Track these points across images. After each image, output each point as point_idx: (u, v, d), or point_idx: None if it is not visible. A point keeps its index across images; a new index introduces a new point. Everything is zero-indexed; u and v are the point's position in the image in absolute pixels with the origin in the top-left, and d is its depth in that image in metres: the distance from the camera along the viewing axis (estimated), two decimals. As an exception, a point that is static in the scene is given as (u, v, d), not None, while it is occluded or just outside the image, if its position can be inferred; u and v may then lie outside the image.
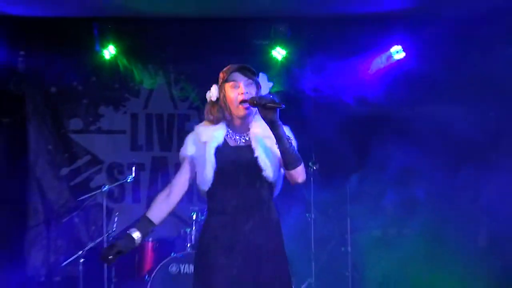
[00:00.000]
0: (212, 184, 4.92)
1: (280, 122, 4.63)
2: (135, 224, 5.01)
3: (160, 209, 5.11)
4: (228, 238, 4.89)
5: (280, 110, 4.54)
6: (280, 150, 4.74)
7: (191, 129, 5.15)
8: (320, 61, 9.35)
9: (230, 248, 4.88)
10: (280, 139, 4.68)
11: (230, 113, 4.92)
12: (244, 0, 8.77)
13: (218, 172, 4.90)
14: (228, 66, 4.96)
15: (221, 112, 4.95)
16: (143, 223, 5.03)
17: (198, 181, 4.97)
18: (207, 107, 5.00)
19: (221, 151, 4.91)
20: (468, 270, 8.49)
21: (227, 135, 4.97)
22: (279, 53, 9.80)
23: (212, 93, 4.96)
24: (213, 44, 9.39)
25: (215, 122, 4.98)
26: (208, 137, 4.93)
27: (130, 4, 8.93)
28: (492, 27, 9.04)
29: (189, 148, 5.00)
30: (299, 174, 4.80)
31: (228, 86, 4.88)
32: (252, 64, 5.00)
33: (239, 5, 8.92)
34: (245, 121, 4.94)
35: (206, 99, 4.98)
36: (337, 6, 9.11)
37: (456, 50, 9.23)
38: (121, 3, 8.88)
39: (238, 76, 4.86)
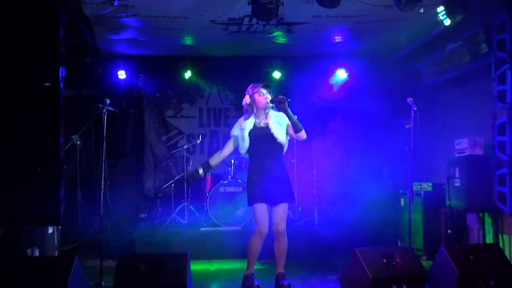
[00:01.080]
0: (248, 149, 5.51)
1: (289, 108, 5.30)
2: (202, 164, 5.74)
3: (215, 158, 5.74)
4: (262, 168, 5.44)
5: (287, 102, 5.25)
6: (291, 123, 5.38)
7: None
8: (299, 79, 9.52)
9: (265, 172, 5.41)
10: (290, 117, 5.35)
11: (256, 108, 5.48)
12: (257, 46, 8.79)
13: (251, 142, 5.47)
14: (252, 84, 5.55)
15: (251, 109, 5.50)
16: (206, 164, 5.70)
17: (239, 148, 5.59)
18: (244, 107, 5.55)
19: (253, 131, 5.47)
20: (377, 187, 8.66)
21: (255, 122, 5.49)
22: (276, 74, 9.82)
23: (246, 100, 5.53)
24: (241, 70, 9.37)
25: (248, 116, 5.52)
26: (245, 126, 5.50)
27: (198, 49, 9.04)
28: (392, 57, 9.31)
29: (235, 131, 5.58)
30: (302, 134, 5.44)
31: (256, 94, 5.47)
32: (261, 81, 5.60)
33: (255, 49, 8.97)
34: (263, 113, 5.48)
35: (241, 100, 5.66)
36: (310, 49, 9.12)
37: (375, 71, 9.35)
38: (194, 48, 8.99)
39: (261, 90, 5.46)
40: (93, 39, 8.19)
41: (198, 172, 5.67)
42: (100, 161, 5.94)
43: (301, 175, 9.30)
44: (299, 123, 5.40)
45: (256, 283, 5.55)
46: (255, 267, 5.68)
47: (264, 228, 5.49)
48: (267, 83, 5.55)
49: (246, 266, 5.66)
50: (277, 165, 5.49)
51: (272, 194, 5.45)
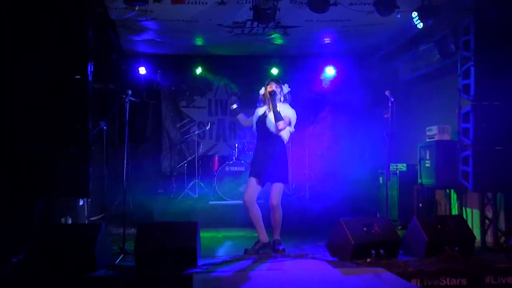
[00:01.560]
0: (255, 129, 5.66)
1: (275, 103, 5.42)
2: (240, 108, 5.93)
3: (243, 116, 5.87)
4: (260, 149, 5.58)
5: (275, 97, 5.41)
6: (273, 112, 5.43)
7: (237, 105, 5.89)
8: (294, 75, 9.25)
9: (261, 153, 5.56)
10: (274, 108, 5.43)
11: (268, 99, 5.54)
12: (258, 47, 8.62)
13: (257, 125, 5.63)
14: (269, 79, 5.76)
15: (264, 99, 5.63)
16: (241, 112, 5.91)
17: (253, 127, 5.72)
18: (259, 97, 5.70)
19: (260, 117, 5.63)
20: (359, 167, 8.67)
21: (266, 110, 5.59)
22: (274, 71, 9.68)
23: (262, 91, 5.65)
24: (244, 66, 9.36)
25: (263, 105, 5.65)
26: (257, 113, 5.67)
27: (207, 49, 8.96)
28: (373, 56, 9.25)
29: (255, 114, 5.69)
30: (279, 124, 5.44)
31: (268, 87, 5.57)
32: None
33: (256, 49, 8.79)
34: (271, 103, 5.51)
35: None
36: (303, 49, 9.01)
37: (359, 68, 9.29)
38: (204, 48, 8.91)
39: (271, 82, 5.60)
40: (118, 40, 8.17)
41: (235, 104, 5.94)
42: (123, 144, 5.95)
43: (295, 156, 9.28)
44: (279, 116, 5.44)
45: (281, 247, 5.60)
46: (259, 236, 5.72)
47: (246, 198, 5.62)
48: (276, 78, 5.75)
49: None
50: (272, 149, 5.57)
51: (263, 173, 5.58)
